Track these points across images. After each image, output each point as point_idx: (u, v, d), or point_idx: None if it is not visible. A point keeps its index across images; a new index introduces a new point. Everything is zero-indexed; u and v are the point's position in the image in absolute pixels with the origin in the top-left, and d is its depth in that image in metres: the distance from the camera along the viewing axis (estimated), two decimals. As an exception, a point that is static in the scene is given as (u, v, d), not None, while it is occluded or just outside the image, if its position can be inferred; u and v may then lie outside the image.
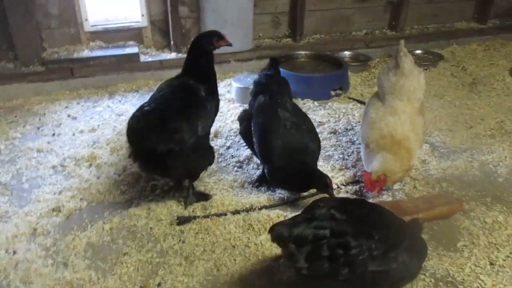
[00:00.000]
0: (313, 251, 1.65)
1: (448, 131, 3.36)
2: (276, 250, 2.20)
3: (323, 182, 2.40)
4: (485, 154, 3.06)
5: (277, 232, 1.69)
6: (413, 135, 2.55)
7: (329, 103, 3.76)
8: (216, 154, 2.95)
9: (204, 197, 2.58)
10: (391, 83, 2.67)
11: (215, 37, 2.56)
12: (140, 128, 2.19)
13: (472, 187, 2.73)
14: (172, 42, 4.13)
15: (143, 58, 4.05)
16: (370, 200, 2.53)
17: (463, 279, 2.07)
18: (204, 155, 2.48)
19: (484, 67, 4.52)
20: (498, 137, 3.27)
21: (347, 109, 3.67)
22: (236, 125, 3.33)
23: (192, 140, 2.28)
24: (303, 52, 4.36)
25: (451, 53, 4.84)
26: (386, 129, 2.54)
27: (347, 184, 2.74)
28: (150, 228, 2.35)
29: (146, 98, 3.65)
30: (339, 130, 3.34)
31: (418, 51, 4.76)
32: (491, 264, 2.16)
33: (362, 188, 2.71)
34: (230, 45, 2.64)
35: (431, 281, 2.06)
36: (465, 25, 5.25)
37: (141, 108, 2.29)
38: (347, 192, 2.70)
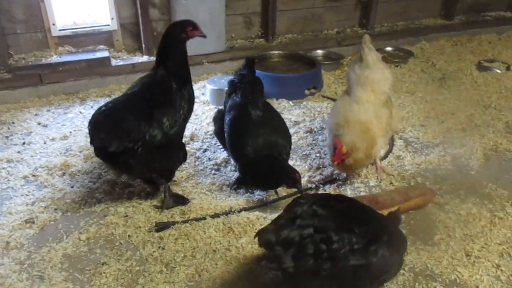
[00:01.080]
0: (299, 250, 1.66)
1: (420, 126, 3.43)
2: (257, 251, 2.19)
3: (291, 176, 2.42)
4: (457, 148, 3.14)
5: (264, 239, 1.71)
6: (376, 123, 2.63)
7: (304, 102, 3.78)
8: (190, 155, 2.96)
9: (181, 200, 2.55)
10: (356, 75, 2.77)
11: (189, 26, 2.49)
12: (92, 127, 2.20)
13: (446, 181, 2.80)
14: (143, 45, 4.06)
15: (114, 62, 3.97)
16: (344, 191, 2.57)
17: (441, 272, 2.12)
18: (172, 153, 2.44)
19: (452, 62, 4.63)
20: (468, 131, 3.36)
21: (322, 107, 3.70)
22: (212, 127, 3.32)
23: (156, 138, 2.25)
24: (276, 52, 4.37)
25: (421, 50, 4.95)
26: (351, 115, 2.62)
27: (325, 182, 2.76)
28: (129, 236, 2.31)
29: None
30: (315, 129, 3.36)
31: (389, 48, 4.84)
32: (467, 255, 2.21)
33: (339, 186, 2.73)
34: (204, 36, 2.60)
35: (410, 275, 2.10)
36: (433, 22, 5.36)
37: (99, 108, 2.28)
38: (324, 190, 2.72)
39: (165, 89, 2.42)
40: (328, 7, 4.82)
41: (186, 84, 2.51)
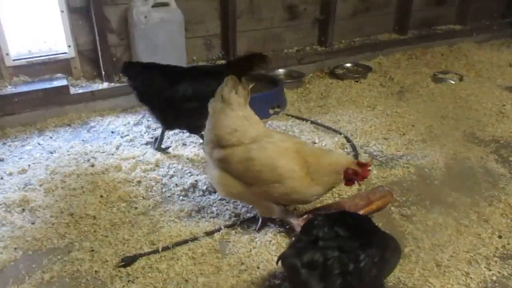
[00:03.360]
0: (325, 271, 1.68)
1: (383, 139, 3.50)
2: (232, 280, 2.15)
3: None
4: (420, 159, 3.22)
5: (288, 263, 1.72)
6: None
7: (269, 122, 3.80)
8: (156, 182, 2.94)
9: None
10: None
11: None
12: None
13: (411, 192, 2.85)
14: (103, 72, 3.99)
15: (73, 90, 3.87)
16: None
17: (414, 284, 2.14)
18: None
19: (409, 75, 4.79)
20: (429, 141, 3.46)
21: (286, 126, 3.73)
22: (177, 152, 3.27)
23: None
24: (238, 73, 4.37)
25: (378, 64, 5.10)
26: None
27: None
28: (95, 271, 2.21)
29: (80, 132, 3.57)
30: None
31: (348, 64, 4.96)
32: (437, 265, 2.25)
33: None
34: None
35: (384, 290, 2.11)
36: (388, 37, 5.55)
37: None
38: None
39: None
40: (286, 26, 4.90)
41: None
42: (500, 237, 2.45)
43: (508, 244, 2.40)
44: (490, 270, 2.23)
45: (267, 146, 2.26)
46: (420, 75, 4.78)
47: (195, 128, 3.21)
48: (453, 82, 4.61)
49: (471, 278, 2.17)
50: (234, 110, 2.30)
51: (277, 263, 1.76)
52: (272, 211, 2.41)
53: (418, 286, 2.13)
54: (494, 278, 2.19)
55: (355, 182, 2.27)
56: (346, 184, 2.31)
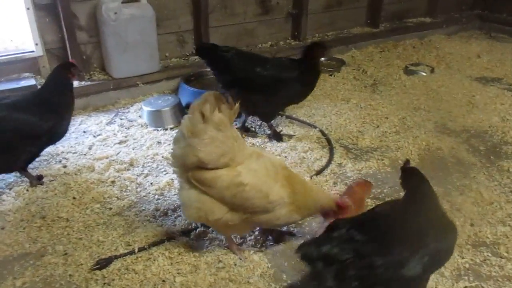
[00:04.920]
0: (340, 270, 1.62)
1: (358, 132, 3.54)
2: (210, 278, 2.14)
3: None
4: (394, 151, 3.27)
5: (304, 252, 1.65)
6: None
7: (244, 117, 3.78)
8: (130, 182, 2.88)
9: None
10: None
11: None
12: None
13: (386, 184, 2.89)
14: (73, 70, 3.89)
15: (42, 89, 3.76)
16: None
17: (390, 275, 2.17)
18: None
19: (382, 68, 4.85)
20: (402, 133, 3.51)
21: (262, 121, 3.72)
22: (152, 151, 3.22)
23: None
24: (212, 69, 4.34)
25: (351, 58, 5.14)
26: None
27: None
28: (70, 275, 2.16)
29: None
30: (257, 144, 3.37)
31: (322, 58, 4.96)
32: (412, 255, 2.28)
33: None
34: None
35: (361, 282, 2.13)
36: (360, 30, 5.60)
37: None
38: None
39: None
40: (259, 21, 4.88)
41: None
42: (472, 225, 2.51)
43: (480, 232, 2.46)
44: (463, 258, 2.28)
45: (259, 170, 2.12)
46: (392, 68, 4.85)
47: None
48: (424, 74, 4.69)
49: (444, 266, 2.21)
50: (221, 131, 2.06)
51: (296, 252, 1.69)
52: (239, 233, 2.34)
53: (394, 276, 2.16)
54: (467, 265, 2.24)
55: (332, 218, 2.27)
56: (323, 217, 2.31)
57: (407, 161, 2.22)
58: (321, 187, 2.84)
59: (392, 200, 2.10)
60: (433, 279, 2.13)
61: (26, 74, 3.84)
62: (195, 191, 2.10)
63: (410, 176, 2.12)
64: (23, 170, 2.82)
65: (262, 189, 2.08)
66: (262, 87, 3.23)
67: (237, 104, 2.11)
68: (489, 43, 5.69)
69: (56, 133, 2.77)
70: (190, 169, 2.08)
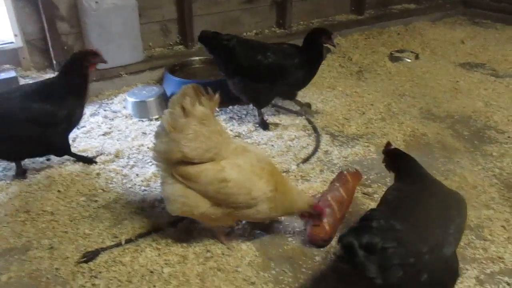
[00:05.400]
0: (384, 259, 1.58)
1: (344, 119, 3.54)
2: (198, 268, 2.13)
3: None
4: (379, 137, 3.28)
5: (346, 242, 1.61)
6: None
7: (230, 107, 3.76)
8: (116, 173, 2.86)
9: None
10: None
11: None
12: None
13: (372, 170, 2.91)
14: (54, 62, 3.82)
15: (23, 81, 3.67)
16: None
17: (377, 260, 2.19)
18: None
19: (367, 55, 4.85)
20: (388, 120, 3.53)
21: (248, 110, 3.70)
22: (137, 142, 3.19)
23: None
24: (197, 58, 4.29)
25: (337, 45, 5.11)
26: None
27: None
28: (56, 269, 2.14)
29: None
30: (243, 133, 3.36)
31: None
32: (398, 240, 2.31)
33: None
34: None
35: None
36: (345, 17, 5.59)
37: None
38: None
39: None
40: (244, 9, 4.84)
41: None
42: (456, 209, 2.54)
43: (464, 215, 2.49)
44: (448, 241, 2.31)
45: (243, 166, 2.10)
46: (377, 55, 4.85)
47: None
48: (409, 60, 4.71)
49: (430, 250, 2.24)
50: (205, 125, 2.03)
51: (338, 242, 1.67)
52: (225, 224, 2.30)
53: (380, 261, 2.18)
54: (452, 249, 2.27)
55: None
56: (300, 218, 2.35)
57: (388, 144, 2.26)
58: (307, 178, 2.85)
59: (393, 185, 2.13)
60: (419, 263, 2.16)
61: (7, 66, 3.76)
62: (179, 185, 2.09)
63: (397, 157, 2.17)
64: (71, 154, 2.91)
65: (245, 185, 2.08)
66: (264, 74, 3.23)
67: (217, 95, 2.08)
68: (472, 29, 5.73)
69: (72, 121, 2.78)
70: (174, 163, 2.06)
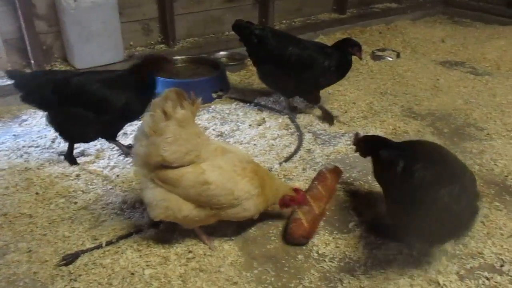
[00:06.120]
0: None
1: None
2: (180, 269, 2.11)
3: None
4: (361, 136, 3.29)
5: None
6: None
7: (212, 106, 3.74)
8: (96, 175, 2.82)
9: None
10: None
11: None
12: None
13: (354, 168, 2.92)
14: (32, 61, 3.75)
15: (0, 82, 3.61)
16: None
17: (359, 258, 2.20)
18: None
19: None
20: (369, 118, 3.55)
21: (230, 109, 3.69)
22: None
23: None
24: (179, 57, 4.26)
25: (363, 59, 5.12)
26: None
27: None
28: (34, 273, 2.09)
29: (11, 126, 3.35)
30: (226, 132, 3.34)
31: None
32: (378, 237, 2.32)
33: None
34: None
35: (331, 264, 2.16)
36: (328, 16, 5.61)
37: None
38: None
39: None
40: (226, 8, 4.82)
41: None
42: (437, 205, 2.57)
43: (445, 212, 2.51)
44: (429, 238, 2.33)
45: (224, 167, 2.10)
46: (359, 53, 4.87)
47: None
48: (390, 59, 4.74)
49: (410, 248, 2.26)
50: (184, 127, 2.01)
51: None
52: (207, 224, 2.27)
53: (363, 258, 2.19)
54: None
55: (289, 207, 2.35)
56: (281, 208, 2.37)
57: (357, 134, 2.55)
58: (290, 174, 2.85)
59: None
60: (400, 258, 2.18)
61: (-17, 66, 3.68)
62: (160, 189, 2.06)
63: (373, 140, 2.51)
64: (112, 140, 2.97)
65: (227, 186, 2.07)
66: (292, 64, 3.33)
67: (199, 100, 2.07)
68: (452, 27, 5.81)
69: (127, 113, 2.81)
70: (154, 168, 2.03)
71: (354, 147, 2.58)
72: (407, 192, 1.96)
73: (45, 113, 2.85)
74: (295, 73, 3.37)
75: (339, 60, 3.36)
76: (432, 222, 1.91)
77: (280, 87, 3.58)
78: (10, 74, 2.85)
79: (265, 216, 2.42)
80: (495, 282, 2.07)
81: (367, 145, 2.45)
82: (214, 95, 3.84)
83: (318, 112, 3.62)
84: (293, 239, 2.28)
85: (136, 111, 2.77)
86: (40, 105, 2.84)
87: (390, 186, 2.16)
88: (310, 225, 2.30)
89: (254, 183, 2.14)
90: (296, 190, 2.33)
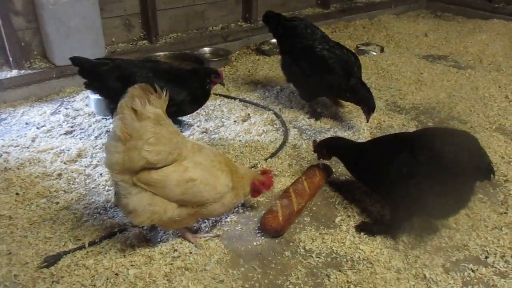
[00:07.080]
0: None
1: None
2: (165, 268, 2.08)
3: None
4: (347, 130, 3.30)
5: None
6: None
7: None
8: (79, 174, 2.76)
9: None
10: None
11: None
12: None
13: (340, 163, 2.88)
14: (10, 59, 3.65)
15: (-23, 80, 3.51)
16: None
17: (346, 252, 2.19)
18: None
19: (334, 48, 4.85)
20: (354, 113, 3.55)
21: (215, 105, 3.65)
22: (101, 141, 3.09)
23: None
24: (162, 53, 4.21)
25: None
26: None
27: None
28: (15, 275, 2.04)
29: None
30: (210, 128, 3.30)
31: (274, 40, 4.89)
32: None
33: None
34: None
35: (318, 260, 2.15)
36: (311, 11, 5.59)
37: None
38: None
39: None
40: (210, 3, 4.77)
41: None
42: (422, 199, 2.58)
43: (430, 205, 2.52)
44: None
45: (204, 163, 2.07)
46: (344, 48, 4.87)
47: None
48: (374, 53, 4.75)
49: (396, 241, 2.26)
50: (162, 125, 1.93)
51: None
52: (187, 225, 2.25)
53: (349, 253, 2.19)
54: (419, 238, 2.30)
55: (261, 192, 2.36)
56: (253, 196, 2.36)
57: (314, 141, 2.70)
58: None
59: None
60: (387, 252, 2.18)
61: (-41, 64, 3.57)
62: (145, 193, 1.98)
63: (334, 143, 2.68)
64: None
65: (210, 182, 2.06)
66: (312, 61, 3.30)
67: (166, 93, 1.98)
68: (435, 22, 5.84)
69: (182, 107, 3.00)
70: (135, 172, 1.95)
71: (315, 154, 2.71)
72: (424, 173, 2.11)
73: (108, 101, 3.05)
74: (312, 71, 3.31)
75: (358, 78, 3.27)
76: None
77: (294, 80, 3.55)
78: (74, 61, 2.89)
79: (250, 212, 2.40)
80: (480, 274, 2.08)
81: (329, 149, 2.63)
82: (198, 91, 3.79)
83: (303, 106, 3.61)
84: (265, 229, 2.29)
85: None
86: (102, 93, 3.01)
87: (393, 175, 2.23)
88: (284, 220, 2.29)
89: (229, 176, 2.15)
90: (263, 172, 2.35)
